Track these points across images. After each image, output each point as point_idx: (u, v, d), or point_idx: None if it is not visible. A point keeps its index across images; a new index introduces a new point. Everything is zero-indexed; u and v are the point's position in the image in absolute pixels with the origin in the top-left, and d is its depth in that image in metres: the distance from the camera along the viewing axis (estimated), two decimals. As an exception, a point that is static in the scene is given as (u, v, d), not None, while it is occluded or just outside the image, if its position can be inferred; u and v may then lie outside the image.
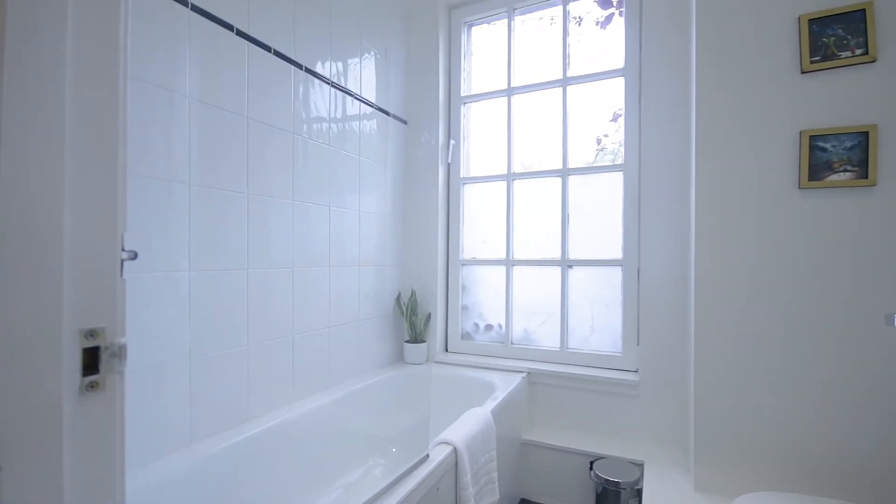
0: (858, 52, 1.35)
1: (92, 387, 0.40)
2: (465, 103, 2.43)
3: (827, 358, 1.37)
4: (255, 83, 1.50)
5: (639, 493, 1.61)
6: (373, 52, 2.14)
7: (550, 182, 2.23)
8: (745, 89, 1.48)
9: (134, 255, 0.44)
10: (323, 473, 1.61)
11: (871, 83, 1.34)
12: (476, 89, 2.44)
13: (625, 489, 1.63)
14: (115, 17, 0.48)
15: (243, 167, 1.46)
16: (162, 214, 1.22)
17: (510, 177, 2.30)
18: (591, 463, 1.78)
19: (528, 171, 2.30)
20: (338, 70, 1.90)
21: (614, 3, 2.22)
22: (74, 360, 0.39)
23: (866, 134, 1.32)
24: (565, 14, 2.22)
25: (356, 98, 2.01)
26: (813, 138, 1.39)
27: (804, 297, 1.40)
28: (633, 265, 1.99)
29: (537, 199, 2.27)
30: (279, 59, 1.60)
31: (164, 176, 1.23)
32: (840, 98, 1.37)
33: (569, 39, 2.22)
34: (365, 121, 2.08)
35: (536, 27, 2.37)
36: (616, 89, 2.12)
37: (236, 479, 1.31)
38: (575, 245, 2.16)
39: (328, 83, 1.84)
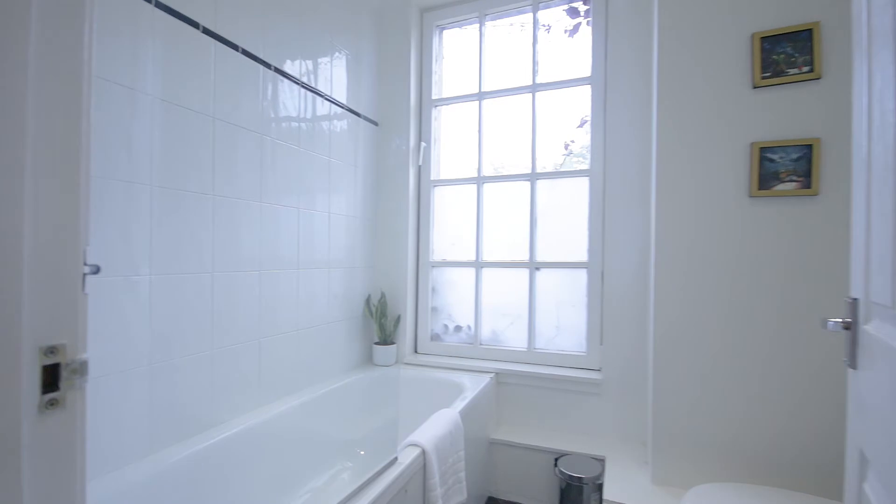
0: (805, 69, 1.44)
1: (51, 404, 0.40)
2: (436, 106, 2.45)
3: (774, 356, 1.46)
4: (222, 82, 1.47)
5: (600, 487, 1.68)
6: (344, 53, 2.12)
7: (519, 185, 2.27)
8: (702, 101, 1.56)
9: (96, 270, 0.44)
10: (290, 479, 1.60)
11: (816, 99, 1.44)
12: (447, 93, 2.46)
13: (587, 484, 1.69)
14: (80, 20, 0.47)
15: (209, 168, 1.43)
16: (121, 217, 1.18)
17: (480, 180, 2.33)
18: (556, 460, 1.83)
19: (498, 174, 2.34)
20: (307, 70, 1.88)
21: (582, 13, 2.28)
22: (33, 378, 0.39)
23: (810, 147, 1.41)
24: (535, 22, 2.26)
25: (326, 99, 1.99)
26: (762, 150, 1.47)
27: (753, 300, 1.49)
28: (598, 267, 2.06)
29: (506, 202, 2.31)
30: (247, 58, 1.57)
31: (125, 177, 1.19)
32: (787, 112, 1.46)
33: (538, 46, 2.27)
34: (335, 121, 2.06)
35: (507, 33, 2.41)
36: (584, 96, 2.18)
37: (200, 487, 1.29)
38: (543, 247, 2.21)
39: (298, 83, 1.81)
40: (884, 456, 0.62)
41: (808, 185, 1.42)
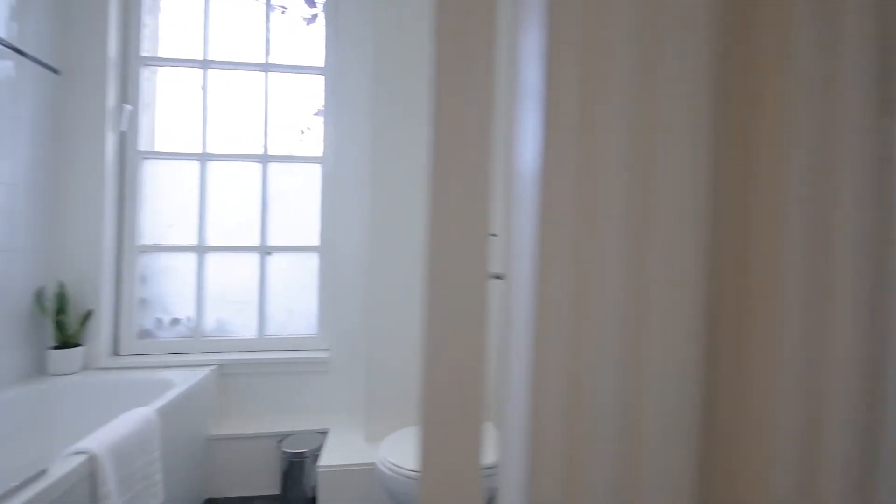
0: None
1: None
2: (148, 65, 2.10)
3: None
4: None
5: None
6: (-5, -32, 1.61)
7: (250, 167, 2.17)
8: (404, 109, 1.81)
9: None
10: None
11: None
12: (164, 52, 2.14)
13: (308, 458, 1.74)
14: None
15: None
16: None
17: (204, 156, 2.12)
18: (280, 441, 1.82)
19: (226, 153, 2.17)
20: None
21: (319, 5, 2.33)
22: None
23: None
24: (268, 2, 2.20)
25: (-41, 21, 1.47)
26: (451, 151, 1.80)
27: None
28: (329, 251, 2.14)
29: (236, 183, 2.17)
30: None
31: None
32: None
33: (274, 26, 2.21)
34: (-23, 56, 1.54)
35: (241, 3, 2.26)
36: (320, 85, 2.23)
37: None
38: (275, 232, 2.17)
39: None
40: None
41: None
